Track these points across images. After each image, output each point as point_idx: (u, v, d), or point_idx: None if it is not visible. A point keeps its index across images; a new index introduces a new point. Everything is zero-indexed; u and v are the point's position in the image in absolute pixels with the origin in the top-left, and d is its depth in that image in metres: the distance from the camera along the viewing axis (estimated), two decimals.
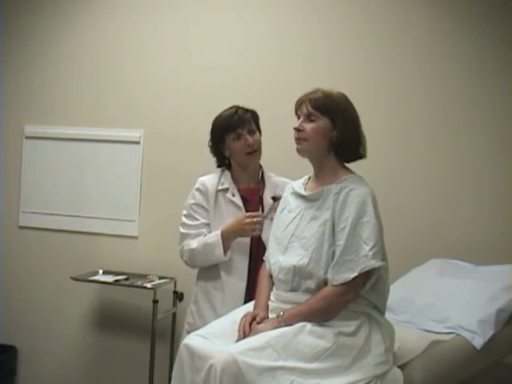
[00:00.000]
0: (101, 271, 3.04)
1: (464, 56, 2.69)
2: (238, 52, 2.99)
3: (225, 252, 2.14)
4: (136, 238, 3.11)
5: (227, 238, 2.14)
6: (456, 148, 2.69)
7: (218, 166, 2.34)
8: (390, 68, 2.77)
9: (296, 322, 1.74)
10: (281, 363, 1.64)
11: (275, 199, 2.11)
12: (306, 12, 2.89)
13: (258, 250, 2.17)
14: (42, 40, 3.30)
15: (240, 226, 2.13)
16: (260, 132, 2.29)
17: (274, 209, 2.07)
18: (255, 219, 2.12)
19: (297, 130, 1.90)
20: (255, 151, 2.22)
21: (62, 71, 3.26)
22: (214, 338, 1.77)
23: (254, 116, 2.31)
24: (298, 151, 1.94)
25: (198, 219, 2.22)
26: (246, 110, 2.29)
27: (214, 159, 2.32)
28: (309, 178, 1.99)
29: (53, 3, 3.28)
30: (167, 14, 3.09)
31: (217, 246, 2.14)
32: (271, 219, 2.07)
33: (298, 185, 1.99)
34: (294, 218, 1.91)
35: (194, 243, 2.19)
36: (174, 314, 2.98)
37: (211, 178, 2.29)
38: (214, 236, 2.15)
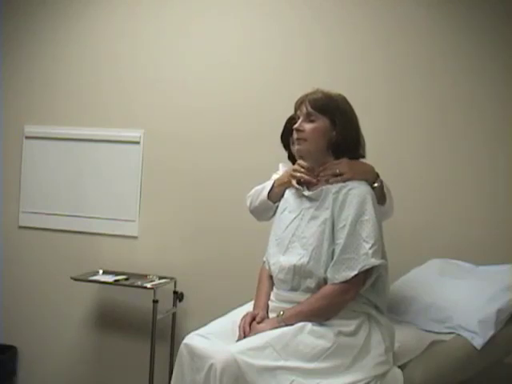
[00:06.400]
0: (101, 271, 3.04)
1: (463, 55, 2.68)
2: (238, 52, 2.99)
3: (271, 196, 2.11)
4: (136, 237, 3.11)
5: (279, 182, 2.10)
6: (455, 148, 2.69)
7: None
8: (389, 67, 2.77)
9: (296, 322, 1.74)
10: (281, 363, 1.64)
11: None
12: (305, 11, 2.88)
13: None
14: (42, 40, 3.30)
15: (286, 174, 2.06)
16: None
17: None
18: (298, 174, 1.97)
19: (297, 130, 1.91)
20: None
21: (62, 71, 3.26)
22: (214, 337, 1.77)
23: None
24: (298, 151, 1.94)
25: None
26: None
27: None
28: None
29: (53, 3, 3.27)
30: (167, 14, 3.09)
31: (266, 188, 2.13)
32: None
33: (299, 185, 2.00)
34: (295, 218, 1.92)
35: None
36: (174, 314, 2.98)
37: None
38: (270, 180, 2.16)
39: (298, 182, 1.97)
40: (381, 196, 1.94)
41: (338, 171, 1.87)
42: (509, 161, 2.62)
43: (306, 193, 1.93)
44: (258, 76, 2.94)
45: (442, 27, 2.72)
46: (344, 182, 1.85)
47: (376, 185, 1.91)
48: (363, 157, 1.97)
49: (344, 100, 1.94)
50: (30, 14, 3.31)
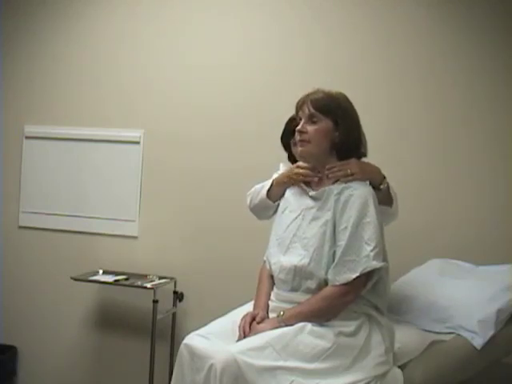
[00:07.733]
0: (101, 271, 3.04)
1: (463, 55, 2.68)
2: (238, 52, 2.99)
3: (270, 195, 2.11)
4: (136, 237, 3.11)
5: (278, 182, 2.10)
6: (455, 148, 2.69)
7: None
8: (389, 67, 2.77)
9: (296, 322, 1.74)
10: (281, 363, 1.64)
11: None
12: (305, 11, 2.88)
13: None
14: (42, 40, 3.30)
15: (287, 173, 2.06)
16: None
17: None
18: (302, 171, 1.98)
19: (299, 132, 1.90)
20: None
21: (62, 71, 3.26)
22: (214, 337, 1.77)
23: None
24: (301, 153, 1.93)
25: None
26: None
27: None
28: None
29: (53, 3, 3.27)
30: (167, 14, 3.09)
31: (266, 186, 2.13)
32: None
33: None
34: (296, 218, 1.91)
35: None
36: (174, 314, 2.98)
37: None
38: (270, 179, 2.16)
39: (304, 183, 1.97)
40: (388, 197, 1.93)
41: (349, 171, 1.86)
42: (509, 161, 2.62)
43: (311, 193, 1.93)
44: (258, 76, 2.94)
45: (442, 27, 2.72)
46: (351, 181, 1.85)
47: (383, 186, 1.91)
48: (365, 156, 1.97)
49: (345, 98, 1.93)
50: (30, 14, 3.31)
